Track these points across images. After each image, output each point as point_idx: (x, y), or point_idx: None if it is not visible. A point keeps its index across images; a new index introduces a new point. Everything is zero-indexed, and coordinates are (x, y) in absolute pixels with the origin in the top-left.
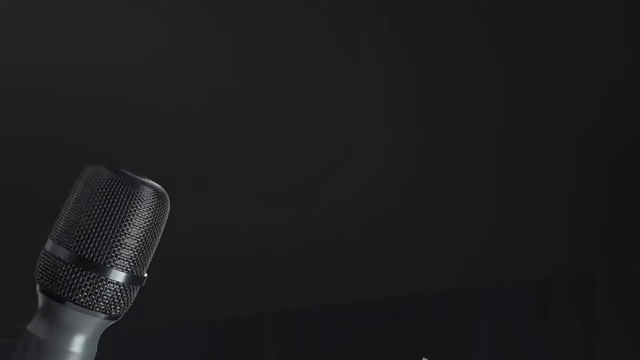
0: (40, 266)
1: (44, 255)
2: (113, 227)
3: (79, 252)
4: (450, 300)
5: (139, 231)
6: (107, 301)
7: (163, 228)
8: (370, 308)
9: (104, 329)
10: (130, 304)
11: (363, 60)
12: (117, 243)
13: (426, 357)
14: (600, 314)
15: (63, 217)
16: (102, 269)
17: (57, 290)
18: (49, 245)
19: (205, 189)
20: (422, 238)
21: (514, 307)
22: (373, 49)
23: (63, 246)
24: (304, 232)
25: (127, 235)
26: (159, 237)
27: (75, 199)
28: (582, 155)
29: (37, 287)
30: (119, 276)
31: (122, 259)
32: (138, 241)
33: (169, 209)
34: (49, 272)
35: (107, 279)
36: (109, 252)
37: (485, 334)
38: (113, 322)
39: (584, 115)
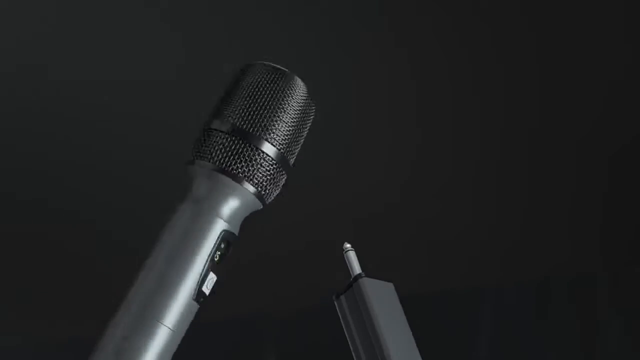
0: (198, 141)
1: (203, 132)
2: (270, 102)
3: (237, 123)
4: (450, 300)
5: (292, 113)
6: (257, 174)
7: (309, 124)
8: None
9: (247, 213)
10: (276, 190)
11: (363, 60)
12: (273, 117)
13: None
14: (600, 314)
15: (222, 97)
16: (257, 140)
17: (213, 160)
18: (206, 123)
19: None
20: (422, 238)
21: (514, 307)
22: (373, 49)
23: (221, 119)
24: (304, 232)
25: (282, 113)
26: (306, 131)
27: (236, 81)
28: (582, 155)
29: (190, 162)
30: (271, 151)
31: (276, 134)
32: (290, 123)
33: (314, 111)
34: (207, 144)
35: (260, 150)
36: (265, 124)
37: (485, 334)
38: (258, 207)
39: (584, 116)
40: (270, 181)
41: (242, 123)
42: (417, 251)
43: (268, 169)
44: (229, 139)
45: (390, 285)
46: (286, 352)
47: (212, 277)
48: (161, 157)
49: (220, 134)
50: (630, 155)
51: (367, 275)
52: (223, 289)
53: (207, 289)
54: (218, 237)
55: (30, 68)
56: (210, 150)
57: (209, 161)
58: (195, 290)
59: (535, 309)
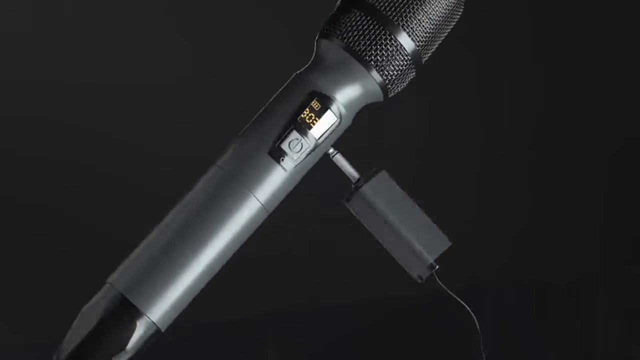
0: (334, 14)
1: (341, 5)
2: None
3: (379, 5)
4: (451, 300)
5: (440, 9)
6: (388, 67)
7: (452, 25)
8: (370, 308)
9: (367, 102)
10: (402, 85)
11: None
12: (419, 8)
13: None
14: (600, 314)
15: None
16: (395, 29)
17: (346, 40)
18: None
19: None
20: None
21: (514, 307)
22: None
23: None
24: (304, 232)
25: (429, 7)
26: (447, 32)
27: None
28: (582, 156)
29: (323, 35)
30: (408, 44)
31: (418, 27)
32: (435, 19)
33: (461, 13)
34: (343, 20)
35: (397, 41)
36: (408, 14)
37: (485, 334)
38: (379, 99)
39: (584, 116)
40: (399, 76)
41: (383, 6)
42: None
43: (400, 63)
44: (366, 20)
45: (385, 174)
46: (286, 352)
47: (295, 137)
48: (161, 158)
49: (358, 13)
50: (630, 155)
51: (364, 180)
52: (223, 289)
53: (287, 147)
54: (306, 98)
55: (29, 69)
56: (345, 29)
57: (342, 40)
58: (273, 145)
59: (535, 309)
